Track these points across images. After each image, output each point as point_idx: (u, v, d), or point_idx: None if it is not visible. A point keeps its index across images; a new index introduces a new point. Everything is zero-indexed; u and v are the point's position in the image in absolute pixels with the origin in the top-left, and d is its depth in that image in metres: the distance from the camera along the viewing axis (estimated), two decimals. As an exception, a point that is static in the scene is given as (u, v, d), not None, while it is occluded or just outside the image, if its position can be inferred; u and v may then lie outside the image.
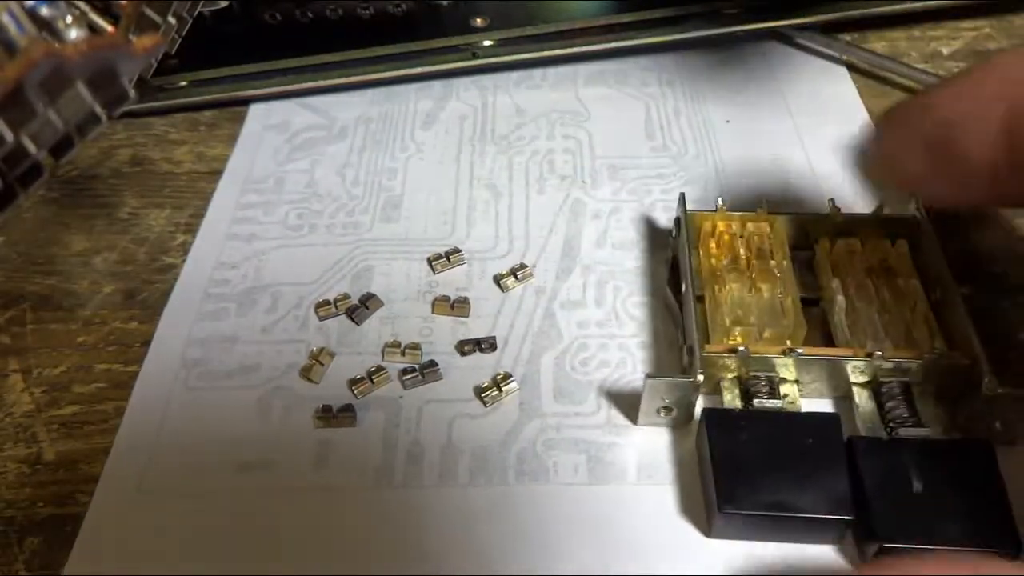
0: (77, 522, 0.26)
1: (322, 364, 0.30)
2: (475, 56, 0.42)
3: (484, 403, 0.29)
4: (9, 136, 0.17)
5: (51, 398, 0.30)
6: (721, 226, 0.32)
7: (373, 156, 0.39)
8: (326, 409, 0.28)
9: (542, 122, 0.41)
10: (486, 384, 0.29)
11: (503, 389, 0.29)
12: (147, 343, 0.31)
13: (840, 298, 0.29)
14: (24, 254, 0.35)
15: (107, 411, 0.29)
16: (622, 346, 0.31)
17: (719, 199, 0.32)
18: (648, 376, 0.26)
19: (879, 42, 0.45)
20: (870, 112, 0.42)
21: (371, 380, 0.29)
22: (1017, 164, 0.20)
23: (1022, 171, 0.20)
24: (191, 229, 0.36)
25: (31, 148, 0.18)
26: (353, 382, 0.29)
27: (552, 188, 0.37)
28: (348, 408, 0.28)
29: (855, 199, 0.34)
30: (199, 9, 0.29)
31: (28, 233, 0.36)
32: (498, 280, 0.33)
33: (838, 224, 0.32)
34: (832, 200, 0.32)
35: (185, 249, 0.35)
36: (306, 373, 0.30)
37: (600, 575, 0.24)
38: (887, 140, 0.24)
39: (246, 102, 0.43)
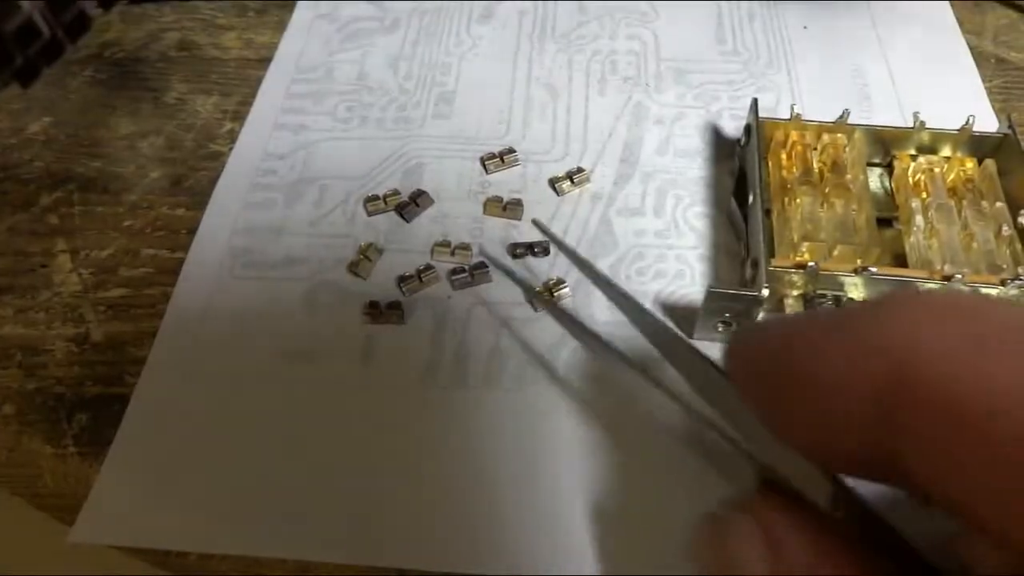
0: (124, 402, 0.26)
1: (370, 260, 0.29)
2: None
3: (534, 308, 0.28)
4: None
5: (98, 280, 0.29)
6: (794, 136, 0.30)
7: (427, 49, 0.38)
8: (373, 305, 0.28)
9: (606, 20, 0.39)
10: (538, 289, 0.28)
11: (555, 295, 0.28)
12: (193, 230, 0.31)
13: (919, 218, 0.27)
14: (71, 136, 0.35)
15: (154, 295, 0.29)
16: (680, 257, 0.29)
17: (793, 106, 0.30)
18: (710, 287, 0.24)
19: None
20: (960, 24, 0.39)
21: (420, 279, 0.28)
22: (877, 440, 0.14)
23: (879, 446, 0.14)
24: (238, 117, 0.35)
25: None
26: (401, 279, 0.28)
27: (614, 90, 0.35)
28: (396, 305, 0.28)
29: (940, 114, 0.31)
30: None
31: (75, 114, 0.35)
32: (553, 183, 0.32)
33: (921, 140, 0.30)
34: (916, 113, 0.30)
35: (232, 137, 0.34)
36: (354, 268, 0.29)
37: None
38: (733, 368, 0.18)
39: (296, -12, 0.41)
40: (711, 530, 0.17)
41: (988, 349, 0.13)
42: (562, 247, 0.26)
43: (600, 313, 0.28)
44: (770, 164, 0.29)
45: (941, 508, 0.14)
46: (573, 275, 0.29)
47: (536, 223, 0.27)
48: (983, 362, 0.13)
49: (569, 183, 0.31)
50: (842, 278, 0.25)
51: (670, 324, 0.23)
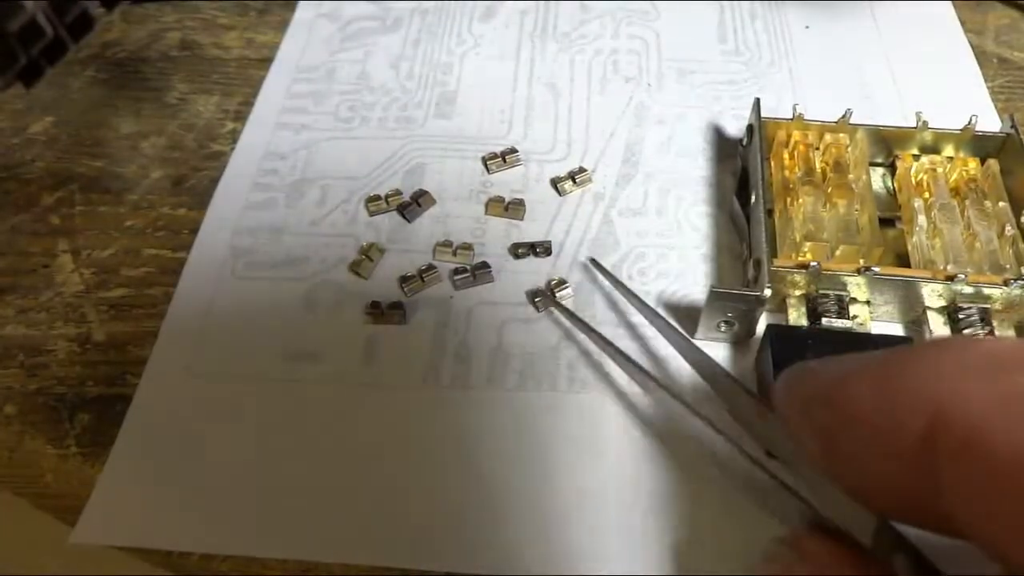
0: (126, 402, 0.26)
1: (371, 260, 0.29)
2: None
3: (537, 308, 0.28)
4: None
5: (100, 280, 0.29)
6: (796, 136, 0.30)
7: (428, 49, 0.38)
8: (375, 305, 0.28)
9: (607, 20, 0.39)
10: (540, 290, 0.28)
11: (557, 295, 0.28)
12: (195, 230, 0.31)
13: (922, 218, 0.27)
14: (73, 136, 0.35)
15: (155, 296, 0.29)
16: (682, 257, 0.29)
17: (795, 106, 0.30)
18: (713, 287, 0.24)
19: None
20: (962, 23, 0.39)
21: (421, 279, 0.28)
22: (920, 483, 0.15)
23: (921, 488, 0.15)
24: (240, 117, 0.35)
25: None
26: (403, 280, 0.28)
27: (615, 90, 0.35)
28: (398, 305, 0.28)
29: (942, 114, 0.31)
30: None
31: (77, 114, 0.35)
32: (555, 183, 0.32)
33: (924, 139, 0.30)
34: (919, 113, 0.30)
35: (234, 137, 0.34)
36: (355, 268, 0.29)
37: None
38: (782, 407, 0.19)
39: (297, -13, 0.41)
40: (763, 566, 0.18)
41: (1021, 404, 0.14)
42: (619, 285, 0.27)
43: (602, 314, 0.28)
44: (772, 164, 0.29)
45: (980, 550, 0.14)
46: (574, 276, 0.29)
47: (594, 262, 0.28)
48: (1016, 417, 0.14)
49: (571, 183, 0.31)
50: (845, 278, 0.25)
51: (717, 361, 0.24)
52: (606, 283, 0.28)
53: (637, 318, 0.27)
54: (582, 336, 0.27)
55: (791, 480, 0.20)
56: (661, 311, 0.28)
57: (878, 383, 0.16)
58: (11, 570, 0.26)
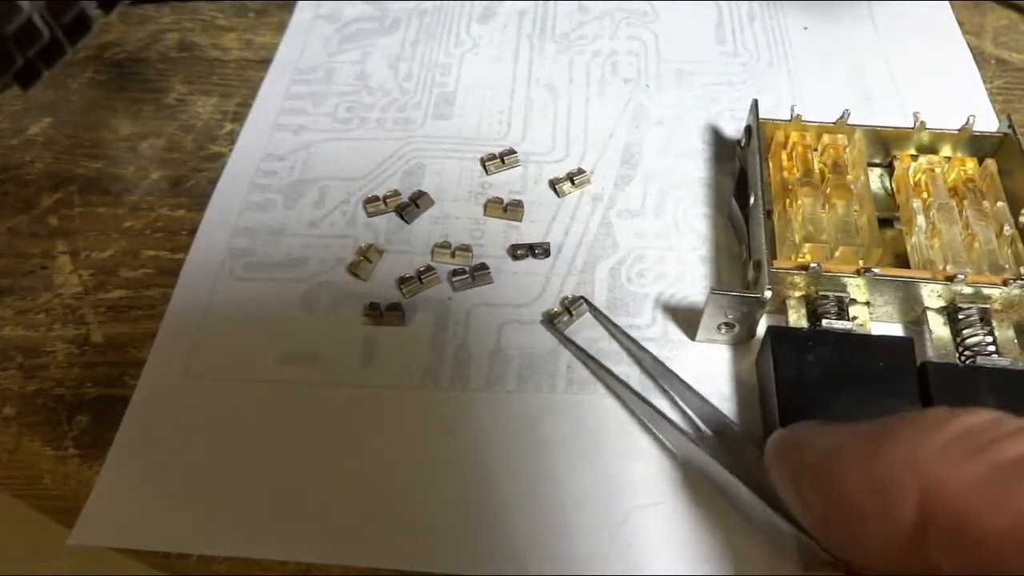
0: (124, 403, 0.26)
1: (370, 261, 0.29)
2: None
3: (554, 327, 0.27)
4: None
5: (99, 281, 0.29)
6: (795, 137, 0.30)
7: (427, 50, 0.38)
8: (373, 306, 0.28)
9: (606, 21, 0.39)
10: (556, 310, 0.28)
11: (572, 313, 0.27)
12: (193, 231, 0.31)
13: (920, 218, 0.27)
14: (72, 136, 0.35)
15: (154, 297, 0.29)
16: (681, 259, 0.29)
17: (793, 107, 0.30)
18: (713, 290, 0.24)
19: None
20: (960, 24, 0.39)
21: (420, 280, 0.28)
22: (922, 560, 0.15)
23: (927, 565, 0.15)
24: (238, 118, 0.35)
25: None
26: (401, 281, 0.28)
27: (613, 91, 0.35)
28: (396, 307, 0.28)
29: (940, 115, 0.31)
30: None
31: (76, 115, 0.35)
32: (554, 185, 0.32)
33: (922, 140, 0.30)
34: (917, 113, 0.30)
35: (232, 138, 0.34)
36: (353, 269, 0.29)
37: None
38: (772, 476, 0.20)
39: (296, -11, 0.41)
40: None
41: (1008, 484, 0.14)
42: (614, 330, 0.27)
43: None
44: (771, 165, 0.29)
45: None
46: (572, 278, 0.29)
47: (585, 300, 0.28)
48: (997, 499, 0.14)
49: (570, 184, 0.31)
50: (844, 279, 0.25)
51: (725, 414, 0.24)
52: (605, 285, 0.28)
53: (640, 319, 0.27)
54: (580, 338, 0.27)
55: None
56: (660, 313, 0.28)
57: (863, 465, 0.16)
58: (10, 571, 0.26)
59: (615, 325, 0.27)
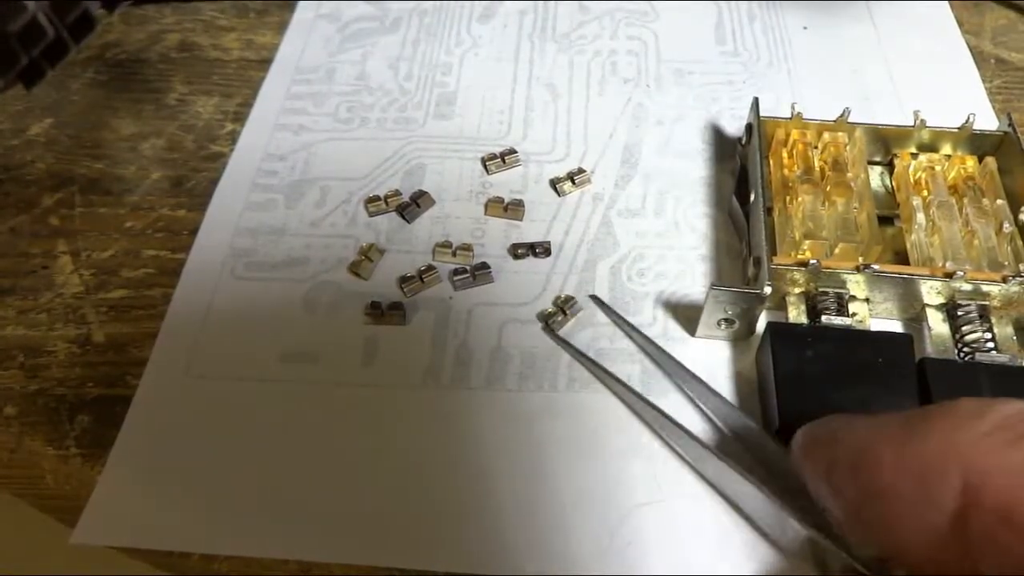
0: (126, 403, 0.26)
1: (371, 260, 0.29)
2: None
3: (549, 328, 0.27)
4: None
5: (100, 281, 0.29)
6: (795, 135, 0.30)
7: (427, 49, 0.38)
8: (375, 306, 0.28)
9: (606, 21, 0.39)
10: (550, 310, 0.28)
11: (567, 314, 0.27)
12: (195, 231, 0.31)
13: (920, 216, 0.27)
14: (73, 137, 0.35)
15: (155, 297, 0.29)
16: (681, 258, 0.29)
17: (794, 105, 0.30)
18: (713, 286, 0.24)
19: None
20: (960, 24, 0.39)
21: (421, 279, 0.28)
22: (962, 552, 0.15)
23: (966, 556, 0.15)
24: (239, 118, 0.35)
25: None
26: (403, 280, 0.28)
27: (614, 91, 0.36)
28: (397, 306, 0.28)
29: (940, 114, 0.31)
30: None
31: (77, 115, 0.36)
32: (554, 184, 0.32)
33: (922, 138, 0.30)
34: (917, 111, 0.30)
35: (233, 138, 0.34)
36: (355, 269, 0.29)
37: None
38: (802, 470, 0.20)
39: (297, -11, 0.41)
40: None
41: None
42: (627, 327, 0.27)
43: (602, 314, 0.28)
44: (771, 163, 0.29)
45: None
46: (573, 277, 0.29)
47: (596, 299, 0.28)
48: None
49: (570, 184, 0.31)
50: (844, 276, 0.25)
51: (750, 420, 0.24)
52: (606, 283, 0.28)
53: (641, 317, 0.27)
54: (581, 337, 0.27)
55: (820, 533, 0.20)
56: (660, 311, 0.28)
57: (901, 453, 0.16)
58: (11, 570, 0.26)
59: (629, 324, 0.27)
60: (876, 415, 0.18)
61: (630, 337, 0.27)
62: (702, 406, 0.25)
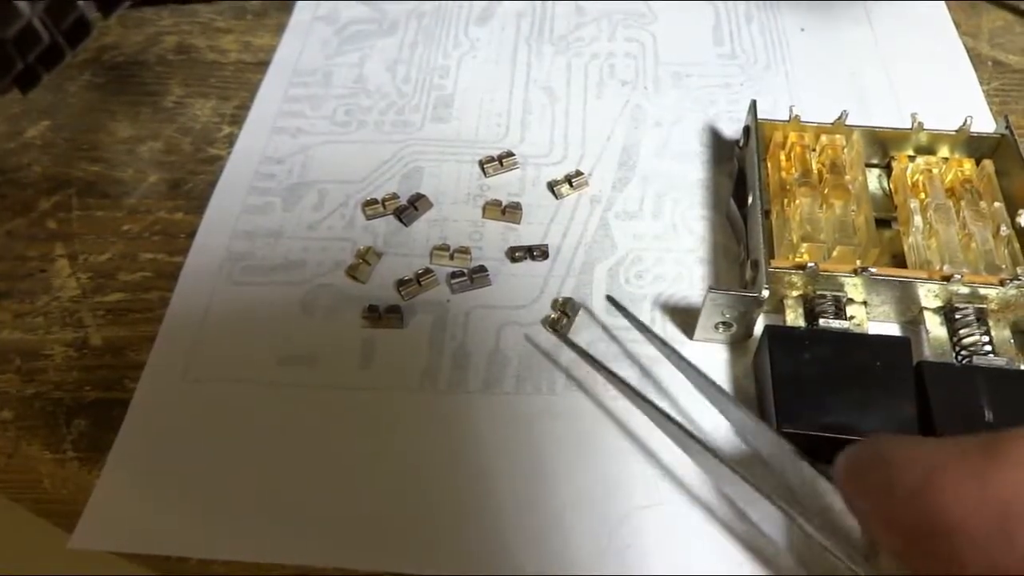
0: (123, 407, 0.26)
1: (369, 264, 0.29)
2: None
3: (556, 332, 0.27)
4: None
5: (97, 284, 0.29)
6: (793, 137, 0.30)
7: (425, 52, 0.38)
8: (372, 309, 0.28)
9: (604, 23, 0.39)
10: (554, 315, 0.27)
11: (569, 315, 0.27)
12: (192, 234, 0.31)
13: (918, 219, 0.27)
14: (70, 140, 0.35)
15: (152, 300, 0.29)
16: (679, 260, 0.29)
17: (792, 107, 0.30)
18: (711, 289, 0.24)
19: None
20: (957, 26, 0.39)
21: (419, 282, 0.28)
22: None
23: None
24: (237, 121, 0.35)
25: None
26: (400, 283, 0.28)
27: (611, 93, 0.36)
28: (395, 309, 0.28)
29: (938, 116, 0.31)
30: None
31: (74, 118, 0.35)
32: (552, 187, 0.32)
33: (919, 141, 0.30)
34: (915, 114, 0.30)
35: (231, 141, 0.34)
36: (352, 272, 0.29)
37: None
38: (850, 495, 0.19)
39: (294, -9, 0.41)
40: None
41: None
42: (642, 328, 0.26)
43: (600, 317, 0.28)
44: (769, 165, 0.30)
45: None
46: (571, 280, 0.29)
47: (613, 300, 0.27)
48: None
49: (568, 186, 0.31)
50: (841, 278, 0.25)
51: (769, 426, 0.23)
52: (604, 286, 0.28)
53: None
54: (579, 339, 0.27)
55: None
56: (658, 314, 0.28)
57: (977, 486, 0.15)
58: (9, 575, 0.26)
59: (649, 330, 0.26)
60: (943, 439, 0.17)
61: (653, 345, 0.26)
62: (720, 412, 0.24)
